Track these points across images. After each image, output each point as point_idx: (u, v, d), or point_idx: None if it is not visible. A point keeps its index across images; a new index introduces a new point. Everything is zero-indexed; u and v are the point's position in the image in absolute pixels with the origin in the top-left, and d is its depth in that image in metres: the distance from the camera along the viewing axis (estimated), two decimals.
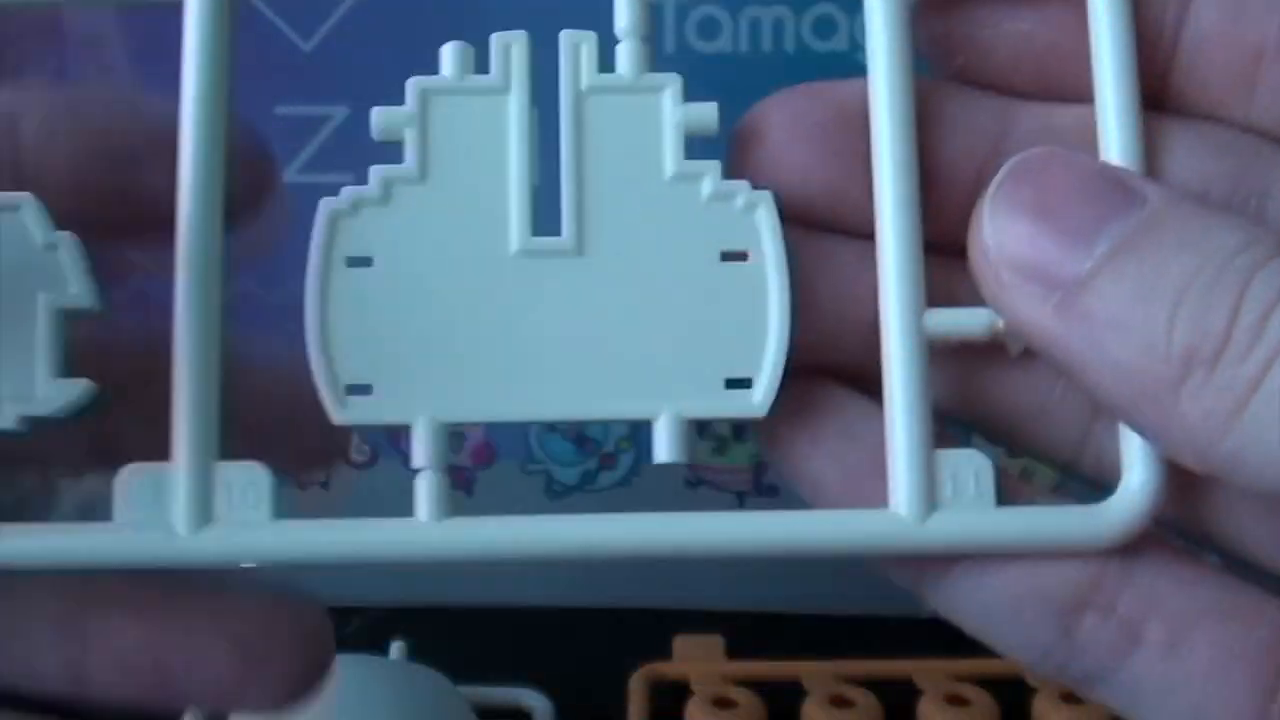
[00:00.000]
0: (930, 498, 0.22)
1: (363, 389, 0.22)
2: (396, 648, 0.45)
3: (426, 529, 0.22)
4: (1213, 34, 0.22)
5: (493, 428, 0.46)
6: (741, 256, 0.22)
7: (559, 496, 0.48)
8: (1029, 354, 0.22)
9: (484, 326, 0.22)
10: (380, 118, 0.22)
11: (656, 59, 0.23)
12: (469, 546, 0.22)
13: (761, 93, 0.38)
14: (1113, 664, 0.21)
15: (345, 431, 0.23)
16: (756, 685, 0.44)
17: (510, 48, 0.23)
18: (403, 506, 0.22)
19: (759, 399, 0.22)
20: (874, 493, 0.22)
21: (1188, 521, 0.22)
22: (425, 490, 0.22)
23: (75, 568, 0.22)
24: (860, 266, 0.23)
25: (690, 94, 0.23)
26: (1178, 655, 0.21)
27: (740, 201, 0.22)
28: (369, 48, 0.41)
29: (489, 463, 0.47)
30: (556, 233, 0.22)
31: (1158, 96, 0.23)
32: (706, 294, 0.22)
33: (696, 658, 0.45)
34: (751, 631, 0.45)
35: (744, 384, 0.22)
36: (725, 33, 0.40)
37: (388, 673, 0.42)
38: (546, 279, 0.22)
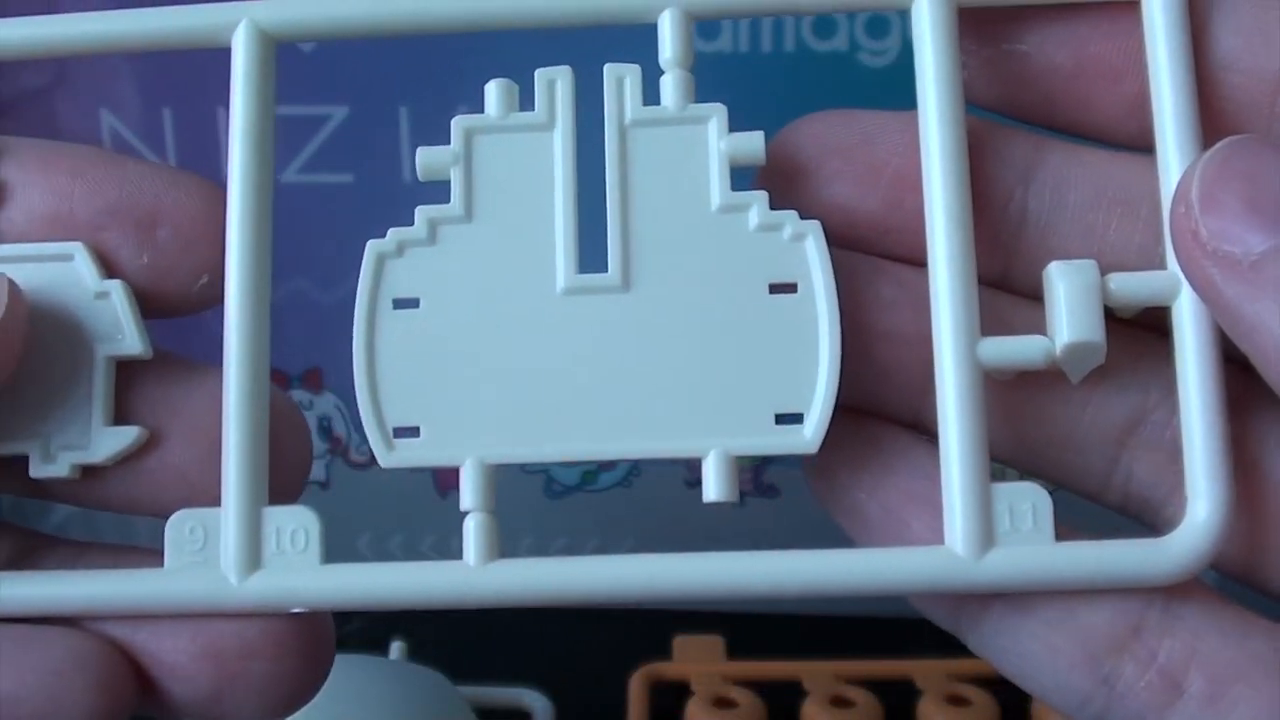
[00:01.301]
0: (987, 533, 0.21)
1: (410, 431, 0.22)
2: (396, 648, 0.45)
3: (475, 573, 0.21)
4: (1232, 62, 0.22)
5: None
6: (790, 288, 0.22)
7: (558, 497, 0.47)
8: (1060, 379, 0.22)
9: (531, 366, 0.22)
10: (424, 157, 0.22)
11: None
12: (517, 589, 0.21)
13: (761, 92, 0.38)
14: (1153, 716, 0.21)
15: (310, 458, 0.23)
16: (756, 685, 0.44)
17: (555, 83, 0.22)
18: (403, 507, 0.22)
19: (810, 435, 0.22)
20: (914, 527, 0.22)
21: (1240, 563, 0.22)
22: (474, 533, 0.21)
23: (127, 612, 0.22)
24: (909, 296, 0.22)
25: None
26: (1219, 709, 0.21)
27: (788, 232, 0.22)
28: (369, 48, 0.40)
29: None
30: (603, 268, 0.22)
31: None
32: (755, 327, 0.22)
33: (696, 658, 0.45)
34: (751, 631, 0.44)
35: (794, 419, 0.22)
36: (725, 33, 0.40)
37: (388, 673, 0.42)
38: (593, 316, 0.22)
